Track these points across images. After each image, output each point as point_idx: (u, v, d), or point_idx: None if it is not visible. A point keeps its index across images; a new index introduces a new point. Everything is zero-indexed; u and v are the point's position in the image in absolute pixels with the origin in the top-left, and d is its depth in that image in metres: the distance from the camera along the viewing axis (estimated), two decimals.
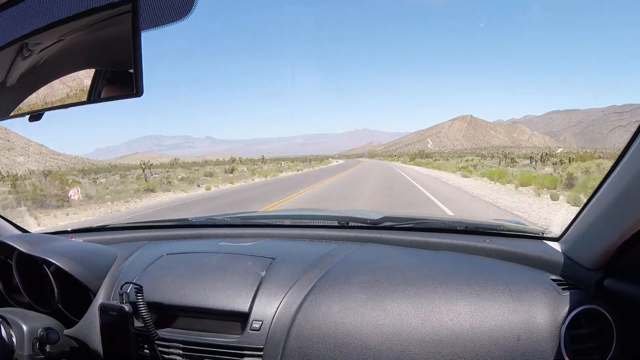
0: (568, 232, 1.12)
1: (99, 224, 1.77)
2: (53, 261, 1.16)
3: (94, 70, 0.82)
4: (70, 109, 0.86)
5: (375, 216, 1.52)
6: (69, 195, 12.12)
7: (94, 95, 0.81)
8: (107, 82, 0.81)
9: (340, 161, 78.79)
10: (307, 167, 39.81)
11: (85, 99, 0.82)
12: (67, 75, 0.85)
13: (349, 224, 1.50)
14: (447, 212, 7.99)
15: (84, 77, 0.83)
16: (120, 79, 0.78)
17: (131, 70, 0.74)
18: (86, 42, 0.82)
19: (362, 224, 1.48)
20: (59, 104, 0.85)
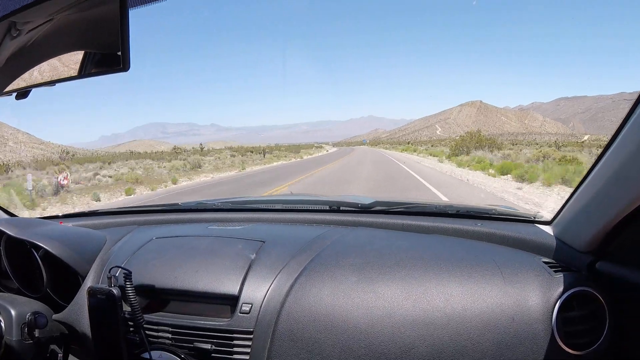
0: (560, 215, 1.14)
1: (90, 210, 1.80)
2: (42, 245, 1.18)
3: (82, 46, 0.87)
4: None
5: (366, 200, 1.55)
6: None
7: (83, 71, 0.85)
8: (96, 58, 0.85)
9: (333, 149, 75.47)
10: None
11: (74, 74, 0.86)
12: (57, 54, 0.89)
13: (340, 209, 1.53)
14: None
15: (74, 54, 0.87)
16: (108, 55, 0.82)
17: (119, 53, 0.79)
18: (76, 19, 0.87)
19: (354, 208, 1.51)
20: (48, 80, 0.89)
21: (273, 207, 1.65)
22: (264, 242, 1.21)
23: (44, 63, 0.92)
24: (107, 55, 0.82)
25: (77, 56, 0.88)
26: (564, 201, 1.10)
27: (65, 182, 12.51)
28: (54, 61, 0.91)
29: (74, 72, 0.86)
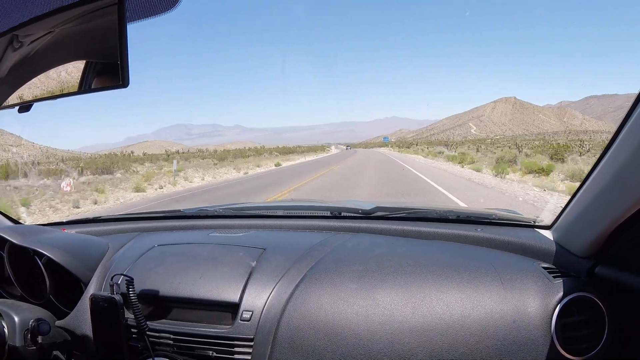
0: (559, 219, 1.18)
1: (92, 216, 1.89)
2: (45, 252, 1.24)
3: (83, 61, 0.90)
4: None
5: (367, 206, 1.60)
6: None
7: (83, 87, 0.89)
8: (95, 73, 0.88)
9: (334, 152, 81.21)
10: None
11: (74, 90, 0.90)
12: (58, 67, 0.93)
13: (341, 214, 1.58)
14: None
15: (73, 69, 0.91)
16: (108, 71, 0.85)
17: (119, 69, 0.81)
18: (76, 34, 0.90)
19: (354, 214, 1.56)
20: (49, 95, 0.93)
21: (274, 214, 1.71)
22: (264, 249, 1.27)
23: (46, 75, 0.96)
24: (107, 71, 0.85)
25: (78, 71, 0.91)
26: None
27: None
28: (55, 75, 0.95)
29: (75, 88, 0.90)
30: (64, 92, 0.92)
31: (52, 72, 0.95)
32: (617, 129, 0.85)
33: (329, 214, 1.63)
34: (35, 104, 1.01)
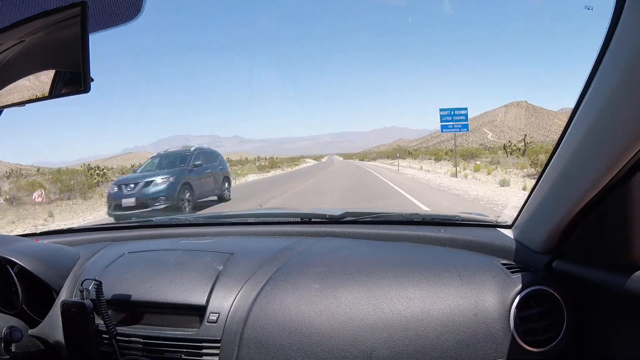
0: (519, 218, 1.29)
1: (65, 227, 2.01)
2: (17, 261, 1.33)
3: (49, 69, 1.02)
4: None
5: (337, 212, 1.73)
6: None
7: (49, 92, 1.00)
8: (61, 80, 1.00)
9: (310, 164, 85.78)
10: None
11: (42, 96, 1.01)
12: (25, 75, 1.04)
13: (311, 220, 1.71)
14: None
15: (42, 76, 1.03)
16: (72, 77, 0.97)
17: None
18: (44, 43, 1.02)
19: (323, 219, 1.69)
20: (16, 101, 1.05)
21: (245, 221, 1.83)
22: (232, 254, 1.37)
23: (13, 84, 1.07)
24: (72, 77, 0.97)
25: (46, 77, 1.03)
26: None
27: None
28: (23, 82, 1.06)
29: (42, 94, 1.02)
30: (32, 98, 1.03)
31: (22, 80, 1.06)
32: (564, 127, 0.95)
33: (298, 219, 1.75)
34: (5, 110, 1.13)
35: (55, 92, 1.00)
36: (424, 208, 9.05)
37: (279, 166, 52.25)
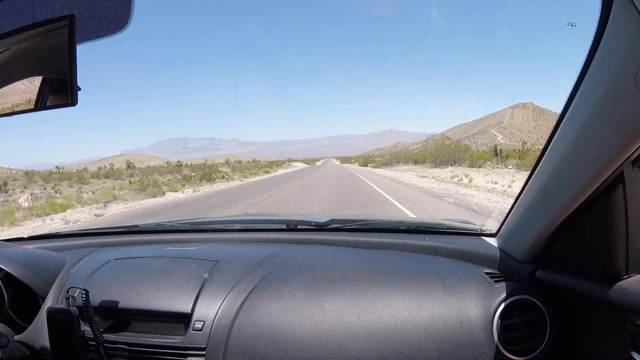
0: (503, 227, 1.33)
1: (50, 232, 2.04)
2: (3, 267, 1.36)
3: (37, 80, 1.05)
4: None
5: (322, 219, 1.76)
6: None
7: (36, 104, 1.03)
8: (47, 92, 1.03)
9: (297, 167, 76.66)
10: None
11: (27, 108, 1.04)
12: (14, 84, 1.06)
13: (297, 227, 1.74)
14: None
15: (27, 87, 1.05)
16: (59, 89, 0.99)
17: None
18: (32, 53, 1.04)
19: (309, 227, 1.72)
20: (5, 112, 1.07)
21: (231, 228, 1.86)
22: (217, 261, 1.40)
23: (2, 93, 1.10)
24: (59, 89, 0.99)
25: (33, 89, 1.05)
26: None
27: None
28: (10, 92, 1.08)
29: (29, 106, 1.04)
30: (19, 109, 1.06)
31: (9, 90, 1.09)
32: (547, 140, 0.99)
33: (284, 227, 1.79)
34: None
35: (42, 104, 1.03)
36: None
37: (246, 174, 43.37)
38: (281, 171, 59.51)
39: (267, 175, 45.71)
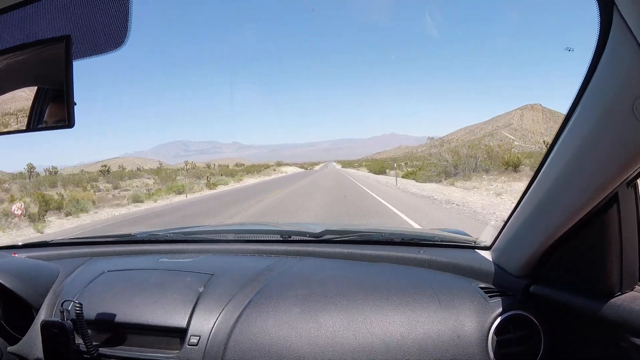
0: (497, 240, 1.35)
1: (43, 240, 2.05)
2: None
3: (33, 101, 1.06)
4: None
5: (317, 229, 1.79)
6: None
7: (32, 125, 1.05)
8: (44, 112, 1.04)
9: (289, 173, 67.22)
10: None
11: (24, 128, 1.06)
12: (10, 103, 1.07)
13: (291, 238, 1.76)
14: None
15: (23, 107, 1.06)
16: (55, 110, 1.01)
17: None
18: (26, 74, 1.07)
19: (303, 238, 1.74)
20: (2, 131, 1.09)
21: (224, 238, 1.87)
22: (212, 274, 1.42)
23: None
24: (55, 111, 1.01)
25: (28, 108, 1.06)
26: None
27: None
28: (7, 111, 1.09)
29: (25, 126, 1.05)
30: (14, 129, 1.08)
31: (5, 109, 1.10)
32: (542, 158, 1.02)
33: (278, 237, 1.81)
34: None
35: (39, 125, 1.05)
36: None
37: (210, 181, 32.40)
38: (251, 181, 42.03)
39: (248, 183, 36.17)
